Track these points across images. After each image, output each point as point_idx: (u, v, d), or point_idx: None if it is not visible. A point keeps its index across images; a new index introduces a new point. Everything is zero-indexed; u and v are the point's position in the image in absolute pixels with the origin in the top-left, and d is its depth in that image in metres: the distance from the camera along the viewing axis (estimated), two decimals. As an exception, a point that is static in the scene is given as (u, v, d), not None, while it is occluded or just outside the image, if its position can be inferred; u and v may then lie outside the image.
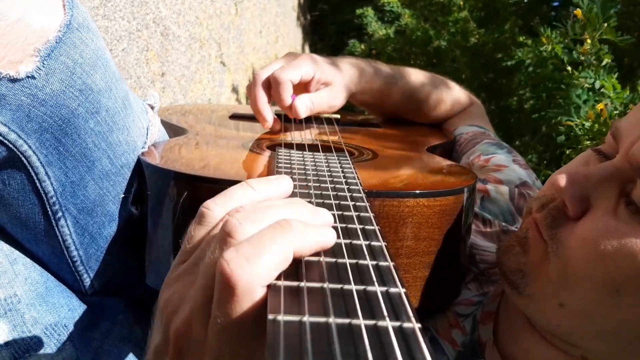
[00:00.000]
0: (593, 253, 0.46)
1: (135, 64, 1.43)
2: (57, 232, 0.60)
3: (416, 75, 0.94)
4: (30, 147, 0.55)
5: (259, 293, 0.29)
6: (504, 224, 0.73)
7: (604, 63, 1.11)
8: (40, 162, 0.56)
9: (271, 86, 0.74)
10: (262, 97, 0.74)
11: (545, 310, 0.50)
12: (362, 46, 2.38)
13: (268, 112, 0.74)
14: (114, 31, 1.35)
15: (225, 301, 0.29)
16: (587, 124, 1.02)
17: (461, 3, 2.08)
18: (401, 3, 2.24)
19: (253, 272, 0.29)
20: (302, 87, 0.77)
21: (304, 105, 0.75)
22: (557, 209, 0.50)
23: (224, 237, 0.31)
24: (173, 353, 0.32)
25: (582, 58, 1.13)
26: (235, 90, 2.29)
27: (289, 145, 0.70)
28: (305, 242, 0.32)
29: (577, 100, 1.06)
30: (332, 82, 0.79)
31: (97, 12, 1.28)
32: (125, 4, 1.41)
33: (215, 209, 0.35)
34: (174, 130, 0.80)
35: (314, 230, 0.33)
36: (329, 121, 0.90)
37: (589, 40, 1.09)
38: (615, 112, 1.04)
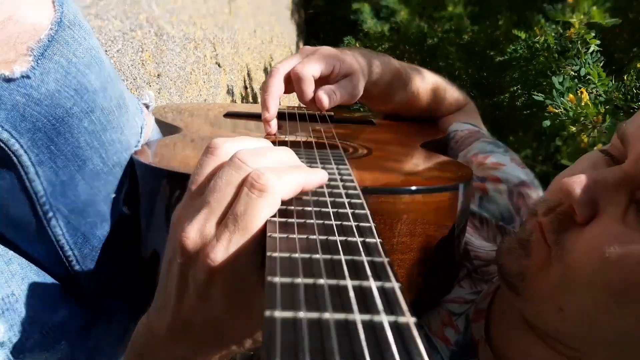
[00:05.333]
0: (598, 259, 0.45)
1: (130, 65, 1.43)
2: (50, 233, 0.60)
3: (422, 75, 0.93)
4: (22, 146, 0.54)
5: (277, 201, 0.39)
6: (501, 223, 0.73)
7: (590, 49, 1.11)
8: (31, 162, 0.55)
9: (292, 81, 0.72)
10: (276, 88, 0.71)
11: (544, 314, 0.50)
12: (357, 44, 2.37)
13: (274, 105, 0.71)
14: (107, 31, 1.34)
15: (251, 201, 0.38)
16: (571, 109, 1.02)
17: (455, -2, 2.08)
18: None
19: (279, 184, 0.39)
20: (322, 81, 0.74)
21: (328, 97, 0.72)
22: (564, 214, 0.49)
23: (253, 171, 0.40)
24: (182, 254, 0.40)
25: (570, 45, 1.13)
26: (230, 91, 2.28)
27: (284, 143, 0.70)
28: (311, 179, 0.42)
29: (560, 87, 1.06)
30: (352, 72, 0.76)
31: (89, 12, 1.28)
32: (117, 3, 1.41)
33: (226, 145, 0.42)
34: (167, 129, 0.80)
35: (315, 173, 0.43)
36: (323, 118, 0.90)
37: (577, 24, 1.09)
38: (599, 99, 1.04)
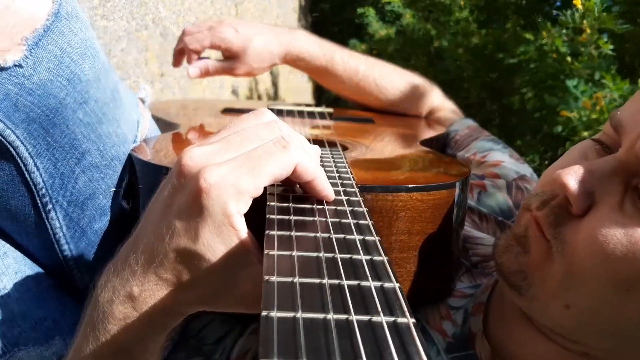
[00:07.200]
0: (601, 251, 0.44)
1: (134, 64, 1.43)
2: (48, 225, 0.60)
3: (352, 56, 0.98)
4: (18, 137, 0.54)
5: (291, 165, 0.39)
6: (500, 218, 0.72)
7: (603, 54, 1.10)
8: (29, 153, 0.56)
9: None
10: (179, 49, 0.95)
11: (549, 311, 0.49)
12: (363, 46, 2.37)
13: (177, 61, 0.96)
14: (112, 31, 1.34)
15: (272, 149, 0.39)
16: (585, 114, 1.01)
17: (462, 3, 2.07)
18: (402, 3, 2.23)
19: (302, 153, 0.40)
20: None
21: (198, 69, 0.94)
22: (559, 207, 0.47)
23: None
24: (178, 174, 0.39)
25: (582, 49, 1.12)
26: (235, 91, 2.28)
27: None
28: (323, 184, 0.42)
29: (575, 91, 1.05)
30: (239, 56, 0.92)
31: (96, 12, 1.28)
32: (124, 4, 1.41)
33: (271, 114, 0.44)
34: (165, 125, 0.80)
35: (328, 185, 0.44)
36: (322, 115, 0.90)
37: (588, 30, 1.09)
38: (613, 103, 1.03)
